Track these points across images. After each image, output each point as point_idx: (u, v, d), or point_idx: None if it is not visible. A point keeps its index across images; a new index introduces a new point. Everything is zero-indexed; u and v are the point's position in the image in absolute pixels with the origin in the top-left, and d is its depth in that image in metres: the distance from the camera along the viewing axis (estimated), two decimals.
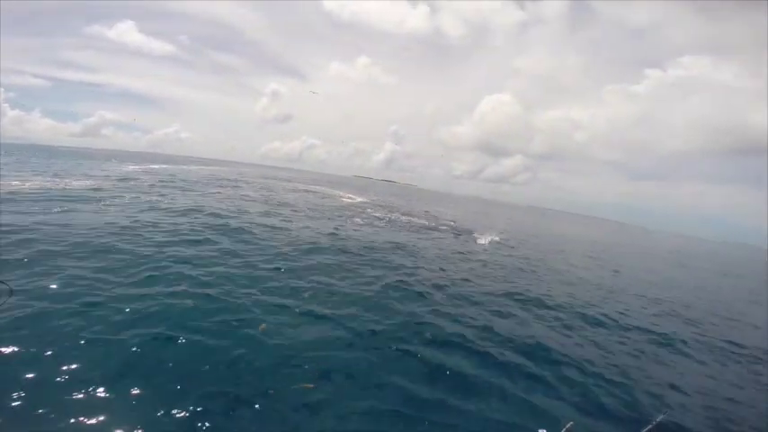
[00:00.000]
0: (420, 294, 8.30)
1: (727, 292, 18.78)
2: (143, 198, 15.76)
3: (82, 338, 4.59)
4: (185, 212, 13.46)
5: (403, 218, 22.83)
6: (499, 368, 5.61)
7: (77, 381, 3.83)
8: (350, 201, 30.69)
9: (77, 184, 17.85)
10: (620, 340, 7.85)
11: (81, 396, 3.63)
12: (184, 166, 51.00)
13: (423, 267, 10.77)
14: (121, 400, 3.67)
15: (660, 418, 3.04)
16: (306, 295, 7.09)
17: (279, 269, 8.47)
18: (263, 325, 5.52)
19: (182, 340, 4.89)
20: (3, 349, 4.14)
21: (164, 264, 7.62)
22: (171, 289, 6.44)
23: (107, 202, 13.46)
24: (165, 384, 3.98)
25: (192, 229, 10.95)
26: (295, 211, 18.91)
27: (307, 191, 35.75)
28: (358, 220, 18.85)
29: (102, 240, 8.56)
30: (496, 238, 19.87)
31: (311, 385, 4.28)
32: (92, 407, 3.51)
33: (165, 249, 8.54)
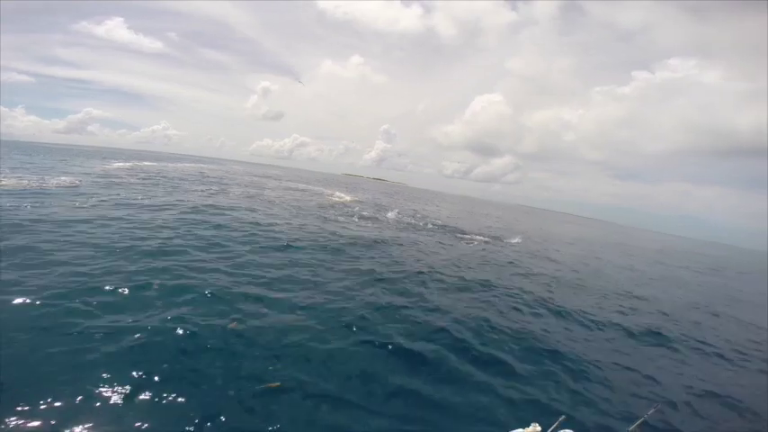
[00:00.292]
0: (401, 292, 8.34)
1: (706, 289, 19.18)
2: (122, 195, 15.47)
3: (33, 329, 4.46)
4: (163, 209, 13.27)
5: (389, 216, 22.80)
6: (484, 361, 5.72)
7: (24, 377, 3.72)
8: (338, 199, 30.54)
9: (55, 181, 17.40)
10: (605, 337, 8.04)
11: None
12: (171, 164, 50.20)
13: (403, 263, 10.77)
14: (71, 400, 3.56)
15: (651, 411, 3.09)
16: (279, 293, 7.00)
17: (254, 266, 8.39)
18: (234, 322, 5.44)
19: (138, 336, 4.77)
20: None
21: (134, 257, 7.48)
22: (134, 283, 6.32)
23: (82, 200, 13.14)
24: (114, 383, 3.86)
25: (166, 226, 10.77)
26: (280, 209, 18.75)
27: (295, 189, 35.48)
28: (342, 218, 18.77)
29: (71, 238, 8.37)
30: (484, 238, 19.98)
31: (277, 384, 4.22)
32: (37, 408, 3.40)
33: (139, 248, 8.39)
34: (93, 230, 9.26)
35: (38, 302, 5.23)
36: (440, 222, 24.45)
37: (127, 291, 6.01)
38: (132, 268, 7.03)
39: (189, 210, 13.90)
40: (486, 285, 10.01)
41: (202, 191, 21.63)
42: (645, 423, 2.92)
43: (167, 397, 3.79)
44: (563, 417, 2.74)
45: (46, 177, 18.32)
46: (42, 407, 3.40)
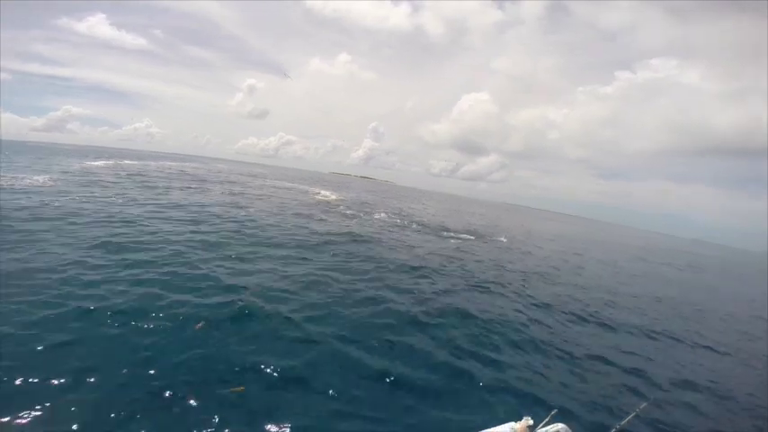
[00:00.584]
0: (371, 299, 8.26)
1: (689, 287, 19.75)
2: (97, 194, 15.07)
3: None
4: (140, 208, 12.97)
5: (375, 216, 22.77)
6: (473, 355, 5.88)
7: None
8: (323, 198, 30.36)
9: (28, 182, 16.81)
10: (593, 332, 8.30)
11: None
12: (153, 162, 49.14)
13: (385, 261, 10.77)
14: (25, 401, 3.47)
15: (643, 406, 3.16)
16: (247, 293, 6.84)
17: (229, 265, 8.27)
18: (201, 323, 5.35)
19: (100, 340, 4.67)
20: None
21: (100, 263, 7.30)
22: (102, 283, 6.16)
23: (51, 198, 12.76)
24: (74, 389, 3.76)
25: (141, 229, 10.54)
26: (261, 208, 18.52)
27: (279, 188, 35.12)
28: (324, 216, 18.67)
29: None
30: (469, 236, 20.13)
31: (241, 387, 4.16)
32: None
33: (104, 246, 8.19)
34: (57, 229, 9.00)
35: None
36: (425, 221, 24.53)
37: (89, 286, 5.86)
38: (101, 262, 6.86)
39: (162, 208, 13.63)
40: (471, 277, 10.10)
41: (183, 189, 21.25)
42: (635, 418, 2.97)
43: (120, 399, 3.72)
44: (555, 410, 2.76)
45: (20, 175, 17.74)
46: None
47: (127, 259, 7.62)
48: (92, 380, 3.94)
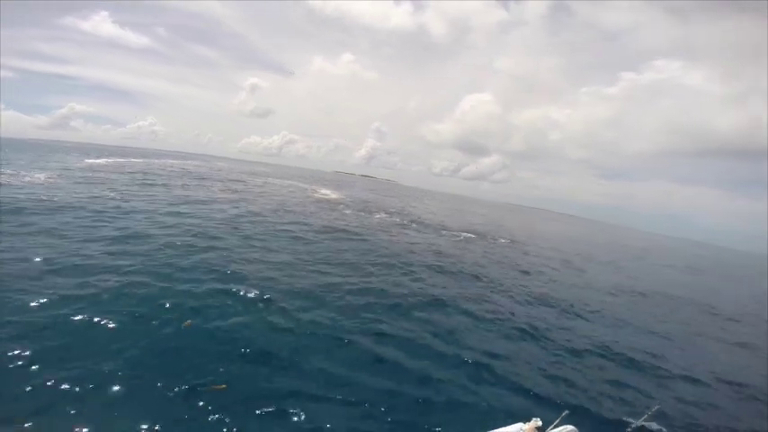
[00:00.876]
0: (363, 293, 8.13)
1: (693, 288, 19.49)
2: (96, 192, 14.96)
3: None
4: (138, 205, 12.86)
5: (375, 215, 22.58)
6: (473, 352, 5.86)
7: None
8: (323, 197, 30.21)
9: (29, 179, 16.69)
10: (594, 331, 8.19)
11: None
12: (156, 160, 49.13)
13: (379, 258, 10.61)
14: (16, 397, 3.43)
15: (656, 408, 3.11)
16: (242, 286, 6.77)
17: (221, 264, 8.12)
18: (188, 321, 5.23)
19: (88, 326, 4.61)
20: None
21: (94, 255, 7.18)
22: (88, 279, 6.07)
23: (48, 195, 12.66)
24: (59, 387, 3.67)
25: (134, 229, 10.42)
26: (260, 205, 18.39)
27: (281, 186, 35.00)
28: (324, 215, 18.52)
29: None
30: (469, 235, 19.96)
31: (223, 386, 4.02)
32: None
33: (99, 240, 8.08)
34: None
35: None
36: (425, 220, 24.33)
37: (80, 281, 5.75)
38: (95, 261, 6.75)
39: (161, 204, 13.51)
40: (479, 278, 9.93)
41: (182, 186, 21.14)
42: (648, 419, 2.90)
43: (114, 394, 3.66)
44: (566, 412, 2.66)
45: (22, 173, 17.68)
46: None
47: (123, 252, 7.61)
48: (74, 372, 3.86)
